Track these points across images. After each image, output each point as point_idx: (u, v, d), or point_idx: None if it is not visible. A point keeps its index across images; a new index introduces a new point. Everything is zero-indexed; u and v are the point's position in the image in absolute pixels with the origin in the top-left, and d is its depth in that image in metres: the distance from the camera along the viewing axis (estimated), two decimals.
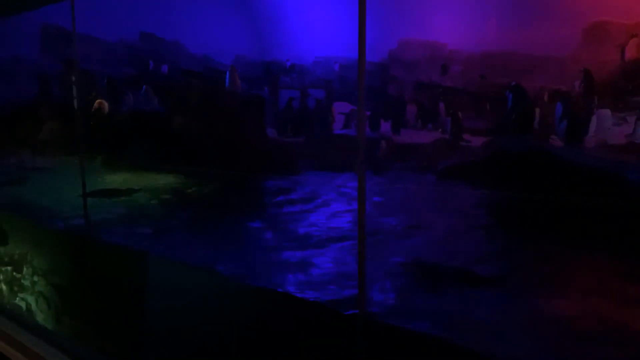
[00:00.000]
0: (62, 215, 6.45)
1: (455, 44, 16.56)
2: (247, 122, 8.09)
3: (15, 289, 7.65)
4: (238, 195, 6.67)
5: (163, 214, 6.28)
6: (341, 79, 17.32)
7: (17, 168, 10.50)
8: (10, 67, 15.38)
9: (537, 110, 9.73)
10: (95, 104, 11.04)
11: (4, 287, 7.77)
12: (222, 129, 7.71)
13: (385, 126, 11.47)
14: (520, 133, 6.04)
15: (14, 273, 7.68)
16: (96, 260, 6.06)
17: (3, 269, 7.84)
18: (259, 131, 8.57)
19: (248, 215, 5.56)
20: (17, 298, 7.71)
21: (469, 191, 5.23)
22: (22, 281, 7.06)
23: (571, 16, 13.31)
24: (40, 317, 6.64)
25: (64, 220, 6.30)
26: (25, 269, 7.02)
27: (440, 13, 15.86)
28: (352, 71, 17.94)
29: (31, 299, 7.28)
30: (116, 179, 8.95)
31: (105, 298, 5.78)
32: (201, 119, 7.87)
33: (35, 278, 6.57)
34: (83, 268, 6.04)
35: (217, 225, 5.24)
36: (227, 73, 9.95)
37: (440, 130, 10.70)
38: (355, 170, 8.45)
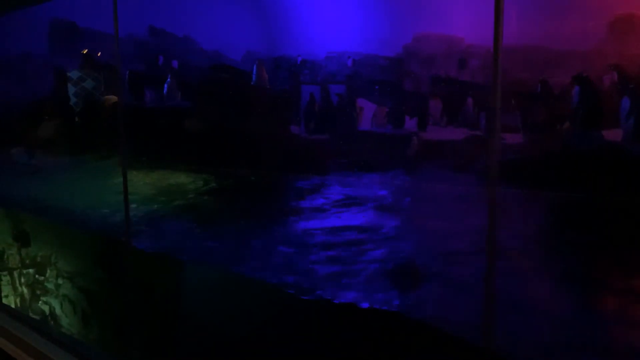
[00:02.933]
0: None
1: (472, 38, 16.23)
2: (276, 118, 7.81)
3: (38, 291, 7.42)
4: (277, 201, 6.37)
5: (204, 223, 5.98)
6: (355, 75, 16.99)
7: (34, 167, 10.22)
8: (18, 63, 15.11)
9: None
10: (105, 101, 10.80)
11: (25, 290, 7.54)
12: (251, 126, 7.44)
13: (408, 123, 11.18)
14: (588, 130, 5.75)
15: (37, 276, 7.44)
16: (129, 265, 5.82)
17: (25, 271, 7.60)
18: (286, 128, 8.31)
19: (296, 225, 5.28)
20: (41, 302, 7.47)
21: (529, 193, 4.93)
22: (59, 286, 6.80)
23: (595, 9, 13.00)
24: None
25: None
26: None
27: (456, 6, 15.54)
28: (366, 67, 17.63)
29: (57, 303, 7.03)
30: (134, 180, 8.69)
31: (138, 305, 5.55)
32: (229, 115, 7.60)
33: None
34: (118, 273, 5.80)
35: (268, 235, 4.96)
36: (254, 67, 9.70)
37: (472, 126, 10.35)
38: (389, 170, 8.12)
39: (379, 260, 4.24)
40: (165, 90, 10.66)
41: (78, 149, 10.84)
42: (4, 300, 7.64)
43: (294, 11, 19.64)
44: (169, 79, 10.73)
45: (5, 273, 7.66)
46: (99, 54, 12.88)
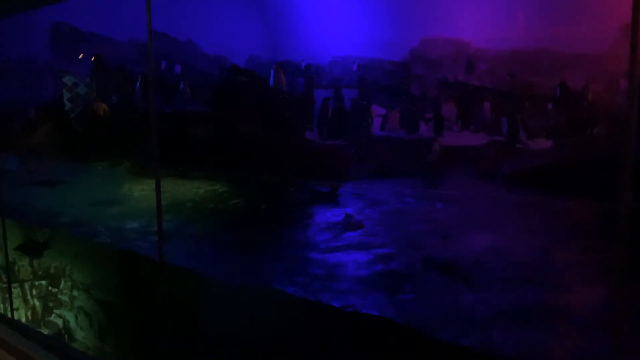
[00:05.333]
0: None
1: (480, 41, 16.07)
2: (293, 123, 7.59)
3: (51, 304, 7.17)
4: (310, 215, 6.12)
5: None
6: (360, 79, 16.78)
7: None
8: (20, 67, 14.85)
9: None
10: (95, 107, 10.59)
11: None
12: (268, 131, 7.21)
13: (422, 128, 10.98)
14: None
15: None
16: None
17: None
18: (301, 133, 8.09)
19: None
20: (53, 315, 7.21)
21: (573, 201, 4.71)
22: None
23: (608, 11, 12.86)
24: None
25: None
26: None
27: (464, 10, 15.39)
28: (372, 71, 17.42)
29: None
30: (147, 187, 8.46)
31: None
32: (246, 120, 7.36)
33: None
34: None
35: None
36: (272, 71, 9.49)
37: (490, 131, 10.11)
38: (412, 177, 7.86)
39: None
40: (178, 95, 10.43)
41: (72, 155, 10.60)
42: (15, 315, 7.35)
43: (297, 15, 19.44)
44: (181, 84, 10.52)
45: (15, 285, 7.38)
46: (92, 58, 12.66)
